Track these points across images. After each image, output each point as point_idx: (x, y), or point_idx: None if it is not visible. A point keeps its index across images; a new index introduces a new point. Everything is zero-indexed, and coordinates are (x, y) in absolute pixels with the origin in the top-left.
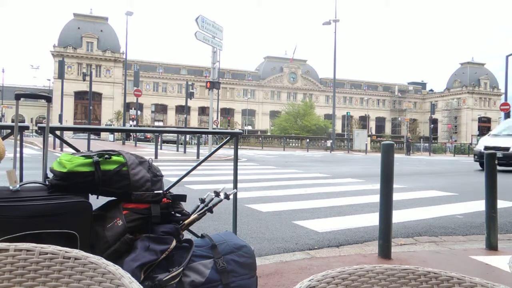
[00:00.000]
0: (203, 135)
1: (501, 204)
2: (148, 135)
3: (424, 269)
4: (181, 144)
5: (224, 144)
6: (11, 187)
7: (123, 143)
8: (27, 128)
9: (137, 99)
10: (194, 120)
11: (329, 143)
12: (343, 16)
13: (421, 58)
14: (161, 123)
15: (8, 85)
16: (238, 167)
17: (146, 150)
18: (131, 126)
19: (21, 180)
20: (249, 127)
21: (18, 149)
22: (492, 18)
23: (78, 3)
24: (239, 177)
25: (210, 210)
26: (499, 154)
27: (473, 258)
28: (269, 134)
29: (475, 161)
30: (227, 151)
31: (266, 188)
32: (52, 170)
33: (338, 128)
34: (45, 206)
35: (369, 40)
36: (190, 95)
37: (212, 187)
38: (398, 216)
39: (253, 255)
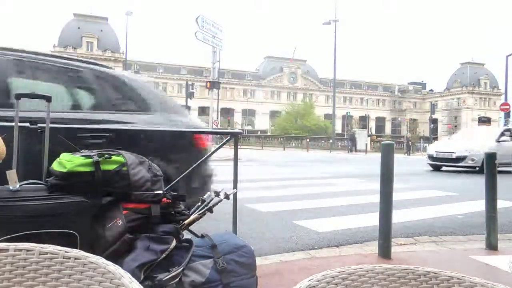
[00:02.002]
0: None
1: (501, 204)
2: None
3: (424, 269)
4: None
5: (224, 144)
6: (11, 187)
7: None
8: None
9: None
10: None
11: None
12: (343, 16)
13: (421, 58)
14: None
15: None
16: (238, 167)
17: None
18: None
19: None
20: (249, 127)
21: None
22: (493, 18)
23: (78, 3)
24: (239, 177)
25: (210, 210)
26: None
27: (473, 258)
28: (269, 134)
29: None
30: (227, 151)
31: (266, 188)
32: (52, 170)
33: (338, 128)
34: (45, 206)
35: (369, 40)
36: (190, 95)
37: (212, 187)
38: (398, 216)
39: (253, 255)
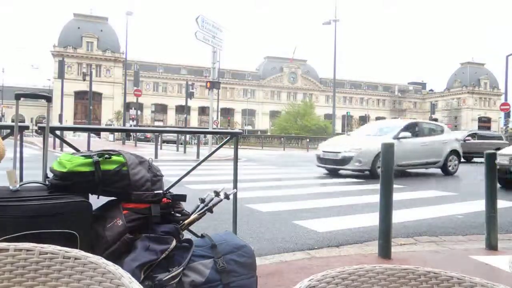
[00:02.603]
0: (203, 135)
1: (501, 204)
2: (148, 135)
3: (424, 269)
4: (181, 144)
5: (224, 144)
6: (11, 187)
7: (123, 143)
8: (27, 128)
9: (137, 99)
10: (194, 120)
11: None
12: (343, 16)
13: (421, 58)
14: (161, 123)
15: (8, 85)
16: (238, 167)
17: (146, 150)
18: (131, 126)
19: (21, 180)
20: (249, 127)
21: (18, 149)
22: (493, 18)
23: (78, 3)
24: (239, 177)
25: (210, 210)
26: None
27: (473, 258)
28: (269, 134)
29: None
30: (227, 151)
31: (266, 188)
32: (52, 170)
33: (338, 128)
34: (45, 206)
35: (369, 40)
36: (190, 95)
37: (212, 187)
38: (398, 216)
39: (253, 255)
